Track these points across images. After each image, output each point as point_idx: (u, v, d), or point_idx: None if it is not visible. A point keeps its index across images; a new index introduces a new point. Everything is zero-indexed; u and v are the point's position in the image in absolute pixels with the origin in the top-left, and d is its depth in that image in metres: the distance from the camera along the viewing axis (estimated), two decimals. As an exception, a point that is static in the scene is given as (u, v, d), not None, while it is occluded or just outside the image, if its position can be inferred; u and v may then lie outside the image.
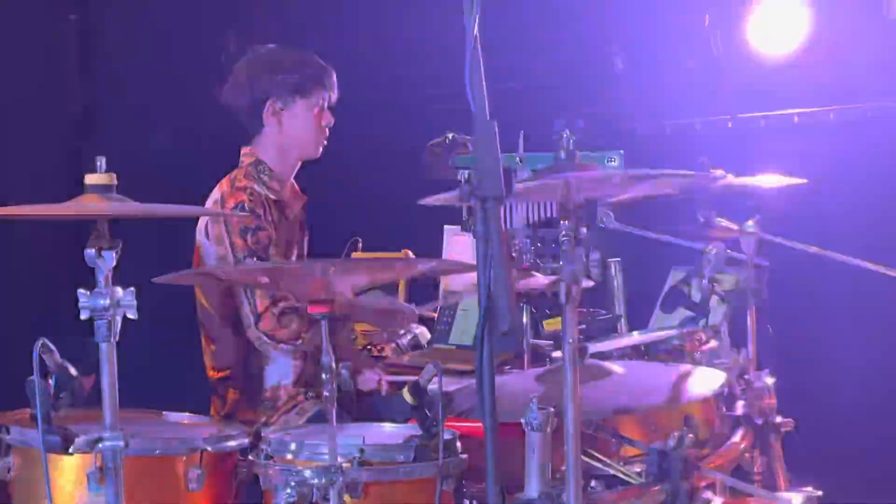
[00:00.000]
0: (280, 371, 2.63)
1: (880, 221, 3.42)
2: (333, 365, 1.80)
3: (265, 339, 2.55)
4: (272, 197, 2.67)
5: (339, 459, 1.81)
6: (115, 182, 1.81)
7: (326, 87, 2.69)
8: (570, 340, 1.71)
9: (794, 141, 3.87)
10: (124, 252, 1.75)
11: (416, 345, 3.41)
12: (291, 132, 2.69)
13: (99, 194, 1.78)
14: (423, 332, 3.41)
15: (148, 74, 3.78)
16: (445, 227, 3.39)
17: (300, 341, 2.55)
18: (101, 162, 1.80)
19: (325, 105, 2.71)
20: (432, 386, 1.95)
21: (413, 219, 3.32)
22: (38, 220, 1.82)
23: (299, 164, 2.77)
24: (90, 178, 1.79)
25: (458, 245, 3.35)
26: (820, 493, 2.18)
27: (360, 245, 3.25)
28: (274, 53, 2.71)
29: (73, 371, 1.85)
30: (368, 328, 3.27)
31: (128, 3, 3.80)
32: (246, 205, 2.58)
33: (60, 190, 1.90)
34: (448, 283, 3.33)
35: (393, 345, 3.33)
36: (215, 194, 2.66)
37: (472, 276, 3.26)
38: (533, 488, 1.79)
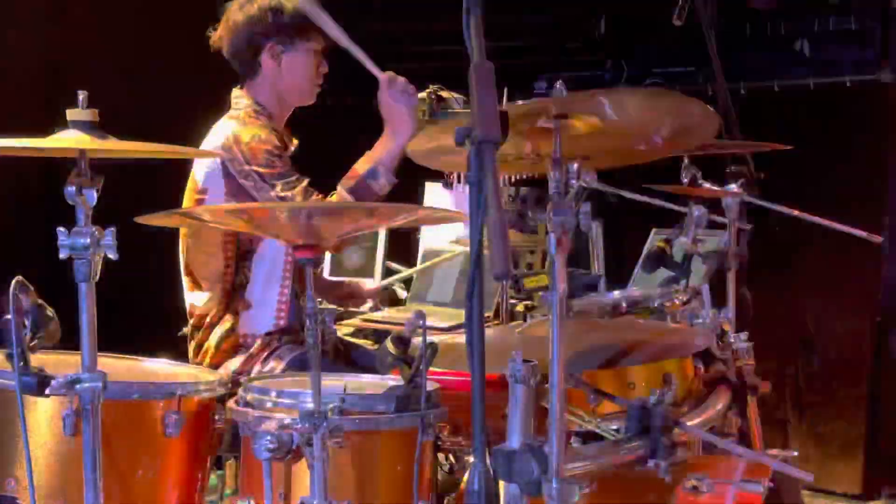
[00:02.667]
0: (259, 318, 2.61)
1: (859, 187, 3.46)
2: (317, 310, 1.79)
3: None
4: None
5: (323, 406, 1.80)
6: (97, 118, 1.76)
7: (326, 32, 2.65)
8: (559, 290, 1.69)
9: (775, 109, 3.91)
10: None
11: (393, 301, 3.41)
12: (290, 76, 2.65)
13: (81, 130, 1.74)
14: (401, 289, 3.41)
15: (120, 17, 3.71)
16: (426, 183, 3.37)
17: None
18: (83, 97, 1.75)
19: (322, 50, 2.67)
20: (415, 337, 1.94)
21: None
22: (8, 159, 1.79)
23: (292, 109, 2.73)
24: (72, 114, 1.74)
25: (440, 201, 3.34)
26: (795, 452, 2.21)
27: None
28: None
29: (49, 311, 1.82)
30: (350, 282, 3.26)
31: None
32: (274, 139, 2.55)
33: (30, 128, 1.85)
34: (427, 236, 3.32)
35: (370, 301, 3.32)
36: (221, 133, 2.59)
37: (451, 230, 3.29)
38: (515, 440, 1.79)
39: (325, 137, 3.21)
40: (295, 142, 2.75)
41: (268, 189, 2.50)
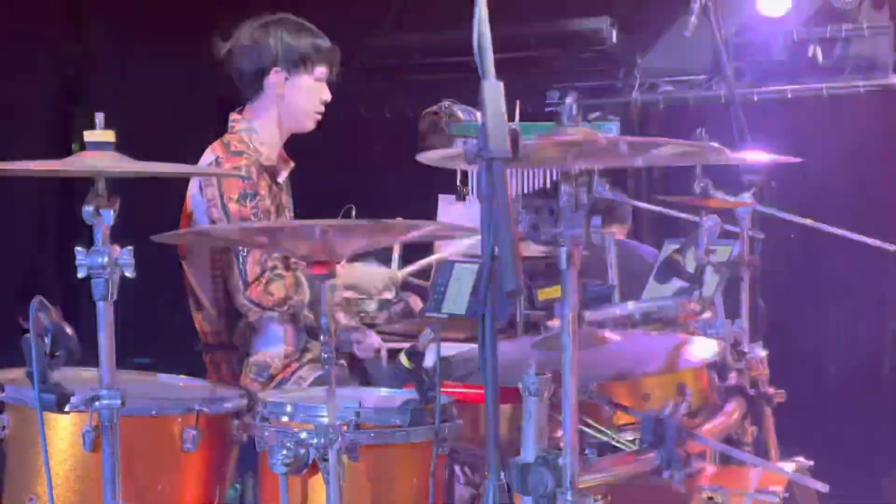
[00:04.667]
0: (269, 340, 2.62)
1: (871, 196, 3.45)
2: (332, 326, 1.80)
3: (252, 306, 2.54)
4: (264, 163, 2.65)
5: (337, 421, 1.81)
6: (114, 140, 1.79)
7: (333, 63, 2.68)
8: (571, 305, 1.70)
9: (787, 115, 3.90)
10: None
11: (407, 313, 3.41)
12: (291, 103, 2.66)
13: (98, 151, 1.76)
14: (415, 301, 3.41)
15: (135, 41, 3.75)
16: (440, 195, 3.38)
17: (286, 307, 2.54)
18: (100, 119, 1.78)
19: (325, 79, 2.69)
20: (429, 351, 1.95)
21: (407, 188, 3.33)
22: (25, 180, 1.81)
23: (289, 134, 2.75)
24: (90, 135, 1.77)
25: (453, 213, 3.35)
26: (811, 462, 2.20)
27: (354, 213, 3.24)
28: (283, 22, 2.67)
29: (69, 330, 1.84)
30: (359, 296, 3.28)
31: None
32: (243, 169, 2.56)
33: (48, 150, 1.88)
34: (441, 250, 3.33)
35: (384, 313, 3.33)
36: (207, 157, 2.63)
37: (465, 243, 3.30)
38: (529, 453, 1.80)
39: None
40: (291, 164, 2.77)
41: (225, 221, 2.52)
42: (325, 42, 2.68)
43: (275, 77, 2.64)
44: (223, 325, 2.62)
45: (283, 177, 2.73)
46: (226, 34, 2.69)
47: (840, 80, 3.98)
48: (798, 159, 2.69)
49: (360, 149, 3.78)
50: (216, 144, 2.65)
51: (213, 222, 2.55)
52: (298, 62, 2.63)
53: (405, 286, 3.50)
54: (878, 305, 3.35)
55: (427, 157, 1.89)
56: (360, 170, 3.72)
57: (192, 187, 2.62)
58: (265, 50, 2.63)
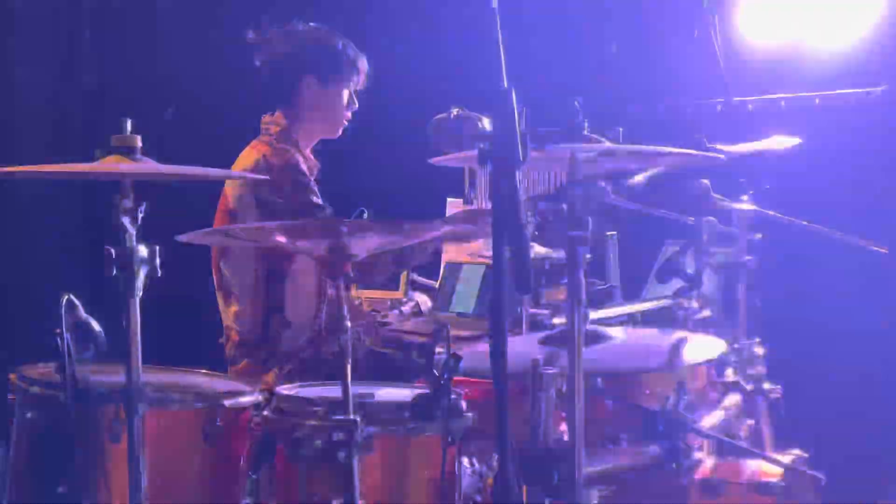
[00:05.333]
0: (295, 335, 2.63)
1: (862, 200, 3.45)
2: (349, 325, 1.81)
3: None
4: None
5: (352, 414, 1.82)
6: (140, 144, 1.80)
7: (361, 72, 2.69)
8: (576, 304, 1.71)
9: (781, 124, 3.89)
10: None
11: (416, 312, 3.42)
12: (321, 110, 2.68)
13: (124, 155, 1.78)
14: (424, 300, 3.42)
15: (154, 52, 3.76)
16: (448, 199, 3.39)
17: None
18: (127, 124, 1.79)
19: (353, 90, 2.70)
20: (439, 347, 1.96)
21: (417, 192, 3.33)
22: (54, 183, 1.82)
23: (319, 139, 2.77)
24: (117, 140, 1.78)
25: (461, 216, 3.35)
26: (806, 455, 2.21)
27: (367, 216, 3.25)
28: (317, 32, 2.68)
29: (96, 326, 1.85)
30: (372, 295, 3.28)
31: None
32: (302, 164, 2.58)
33: (76, 154, 1.89)
34: (450, 252, 3.34)
35: (395, 311, 3.34)
36: (250, 157, 2.62)
37: (473, 246, 3.31)
38: (537, 445, 1.81)
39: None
40: (317, 165, 2.78)
41: (300, 201, 2.52)
42: (358, 54, 2.69)
43: (309, 85, 2.65)
44: (258, 321, 2.61)
45: (314, 175, 2.74)
46: (259, 39, 2.69)
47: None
48: (795, 140, 2.68)
49: (371, 154, 3.78)
50: (257, 145, 2.65)
51: (281, 213, 2.52)
52: (333, 72, 2.64)
53: (414, 286, 3.52)
54: (873, 304, 3.35)
55: (439, 160, 1.91)
56: (371, 175, 3.71)
57: (235, 189, 2.61)
58: (299, 58, 2.64)
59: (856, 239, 2.55)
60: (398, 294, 3.44)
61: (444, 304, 3.30)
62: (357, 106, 2.73)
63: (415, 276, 3.52)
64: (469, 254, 3.30)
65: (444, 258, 3.42)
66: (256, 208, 2.56)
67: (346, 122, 2.74)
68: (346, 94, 2.68)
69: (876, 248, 2.55)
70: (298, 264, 2.61)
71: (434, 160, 1.88)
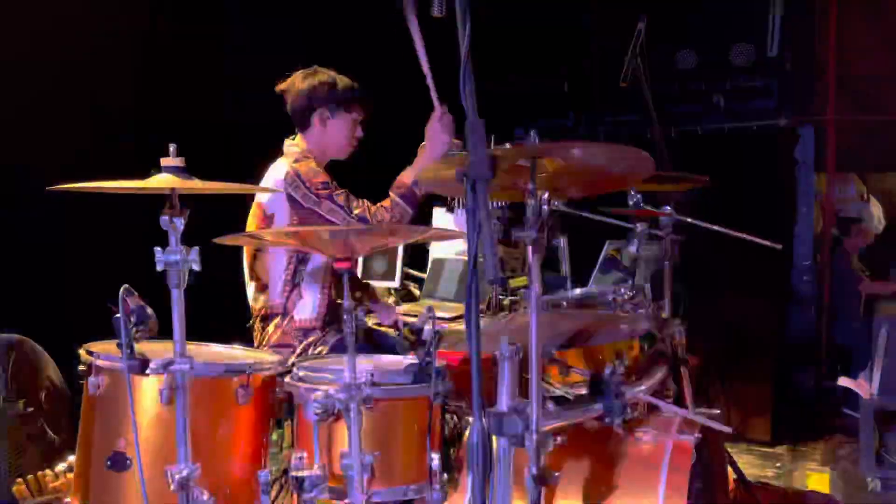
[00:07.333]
0: (307, 307, 2.61)
1: (761, 207, 3.48)
2: (353, 307, 1.79)
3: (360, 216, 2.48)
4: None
5: (357, 380, 1.80)
6: (183, 164, 1.78)
7: (365, 107, 2.70)
8: (535, 290, 1.70)
9: (699, 148, 3.90)
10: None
11: (408, 298, 3.41)
12: (331, 136, 2.68)
13: (172, 173, 1.75)
14: (415, 288, 3.41)
15: (204, 85, 3.72)
16: (434, 208, 3.38)
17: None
18: (173, 148, 1.77)
19: (360, 121, 2.71)
20: (427, 326, 1.95)
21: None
22: (121, 195, 1.80)
23: (330, 159, 2.76)
24: (165, 161, 1.75)
25: (444, 221, 3.34)
26: (718, 411, 2.20)
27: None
28: (331, 74, 2.70)
29: (149, 310, 1.82)
30: (376, 284, 3.27)
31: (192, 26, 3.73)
32: (318, 170, 2.54)
33: (131, 173, 1.86)
34: (435, 248, 3.33)
35: (392, 298, 3.32)
36: (279, 173, 2.59)
37: (454, 244, 3.28)
38: (503, 404, 1.79)
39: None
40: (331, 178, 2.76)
41: (334, 205, 2.49)
42: (361, 92, 2.70)
43: (320, 114, 2.65)
44: (285, 298, 2.59)
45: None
46: (285, 80, 2.70)
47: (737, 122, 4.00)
48: (703, 178, 2.70)
49: (370, 170, 3.76)
50: (283, 162, 2.63)
51: (314, 214, 2.48)
52: (339, 104, 2.65)
53: (407, 277, 3.50)
54: (770, 289, 3.37)
55: (423, 182, 1.89)
56: (370, 188, 3.69)
57: (268, 195, 2.58)
58: (315, 94, 2.64)
59: (754, 237, 2.55)
60: (394, 283, 3.43)
61: (431, 291, 3.29)
62: (363, 133, 2.72)
63: (408, 270, 3.50)
64: (451, 251, 3.30)
65: (431, 254, 3.41)
66: (290, 210, 2.54)
67: (353, 146, 2.73)
68: (351, 123, 2.68)
69: (772, 245, 2.55)
70: (314, 255, 2.59)
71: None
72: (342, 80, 2.69)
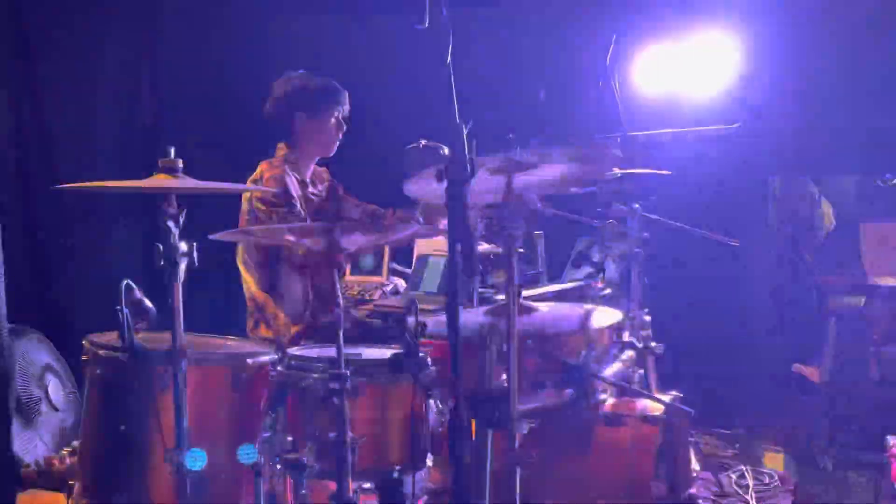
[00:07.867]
0: (293, 300, 2.61)
1: (722, 207, 3.52)
2: (341, 301, 1.79)
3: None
4: (297, 178, 2.64)
5: (345, 368, 1.81)
6: (181, 165, 1.77)
7: (342, 104, 2.68)
8: (512, 284, 1.71)
9: (664, 152, 3.93)
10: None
11: (395, 292, 3.40)
12: (314, 136, 2.66)
13: (169, 174, 1.74)
14: (401, 282, 3.41)
15: (200, 92, 3.70)
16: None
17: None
18: (171, 150, 1.76)
19: (340, 116, 2.68)
20: (410, 317, 1.95)
21: (396, 203, 3.30)
22: (121, 194, 1.79)
23: (318, 157, 2.75)
24: (163, 162, 1.75)
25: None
26: (682, 395, 2.23)
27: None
28: (304, 77, 2.67)
29: (148, 303, 1.82)
30: (362, 279, 3.26)
31: (187, 44, 3.71)
32: (289, 181, 2.55)
33: (135, 173, 1.85)
34: (420, 246, 3.33)
35: (379, 291, 3.32)
36: (255, 174, 2.60)
37: (437, 242, 3.29)
38: (483, 389, 1.80)
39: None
40: (326, 175, 2.75)
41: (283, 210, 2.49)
42: (339, 89, 2.68)
43: (299, 118, 2.63)
44: (275, 290, 2.58)
45: (318, 188, 2.71)
46: (267, 89, 2.69)
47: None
48: (667, 171, 2.72)
49: (359, 174, 3.75)
50: (264, 163, 2.63)
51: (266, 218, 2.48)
52: (318, 107, 2.63)
53: (394, 272, 3.50)
54: (730, 282, 3.42)
55: (410, 189, 1.90)
56: (359, 190, 3.69)
57: (244, 200, 2.58)
58: (292, 99, 2.62)
59: (716, 235, 2.58)
60: (381, 278, 3.42)
61: (416, 285, 3.29)
62: (345, 127, 2.71)
63: (394, 265, 3.50)
64: (434, 248, 3.30)
65: (416, 251, 3.41)
66: (247, 214, 2.54)
67: (337, 142, 2.71)
68: (333, 121, 2.66)
69: (730, 241, 2.58)
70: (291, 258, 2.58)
71: (407, 190, 1.86)
72: (314, 82, 2.67)
